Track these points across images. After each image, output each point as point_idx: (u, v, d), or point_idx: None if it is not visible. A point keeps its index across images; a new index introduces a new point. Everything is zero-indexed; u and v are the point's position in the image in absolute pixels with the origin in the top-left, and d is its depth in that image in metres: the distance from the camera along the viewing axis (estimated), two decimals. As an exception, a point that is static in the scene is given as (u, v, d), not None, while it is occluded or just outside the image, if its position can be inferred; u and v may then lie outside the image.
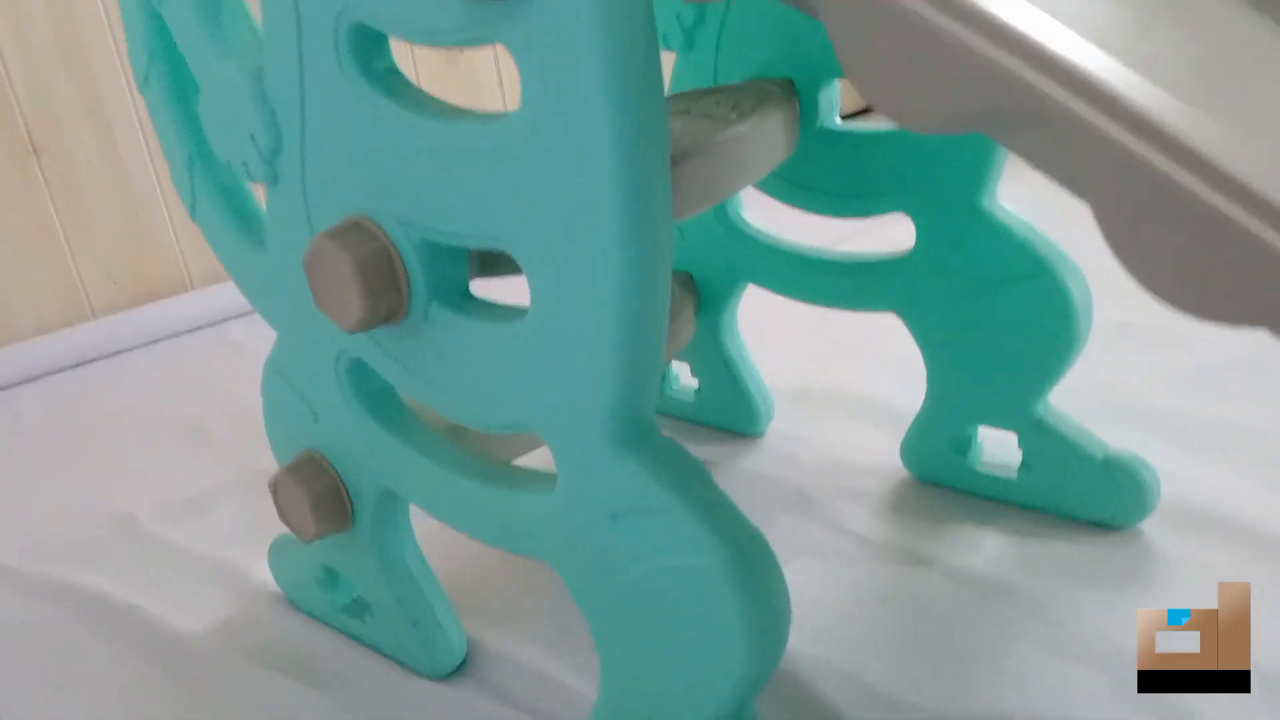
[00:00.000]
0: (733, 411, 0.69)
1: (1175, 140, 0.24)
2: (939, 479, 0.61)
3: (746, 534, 0.36)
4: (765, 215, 0.64)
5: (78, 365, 0.97)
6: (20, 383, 0.95)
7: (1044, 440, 0.56)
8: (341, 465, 0.48)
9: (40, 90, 0.94)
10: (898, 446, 0.63)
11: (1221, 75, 0.32)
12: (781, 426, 0.70)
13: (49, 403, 0.92)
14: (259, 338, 0.95)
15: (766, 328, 0.73)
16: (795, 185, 0.60)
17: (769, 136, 0.52)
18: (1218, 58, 0.33)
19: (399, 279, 0.39)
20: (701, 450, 0.68)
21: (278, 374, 0.49)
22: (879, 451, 0.65)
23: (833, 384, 0.74)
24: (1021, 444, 0.57)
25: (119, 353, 0.99)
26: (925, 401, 0.60)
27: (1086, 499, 0.56)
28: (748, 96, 0.54)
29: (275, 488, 0.50)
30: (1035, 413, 0.56)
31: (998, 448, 0.59)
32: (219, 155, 0.44)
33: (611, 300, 0.34)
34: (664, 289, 0.35)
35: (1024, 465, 0.57)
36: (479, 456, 0.44)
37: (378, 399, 0.46)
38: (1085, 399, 0.60)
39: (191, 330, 1.02)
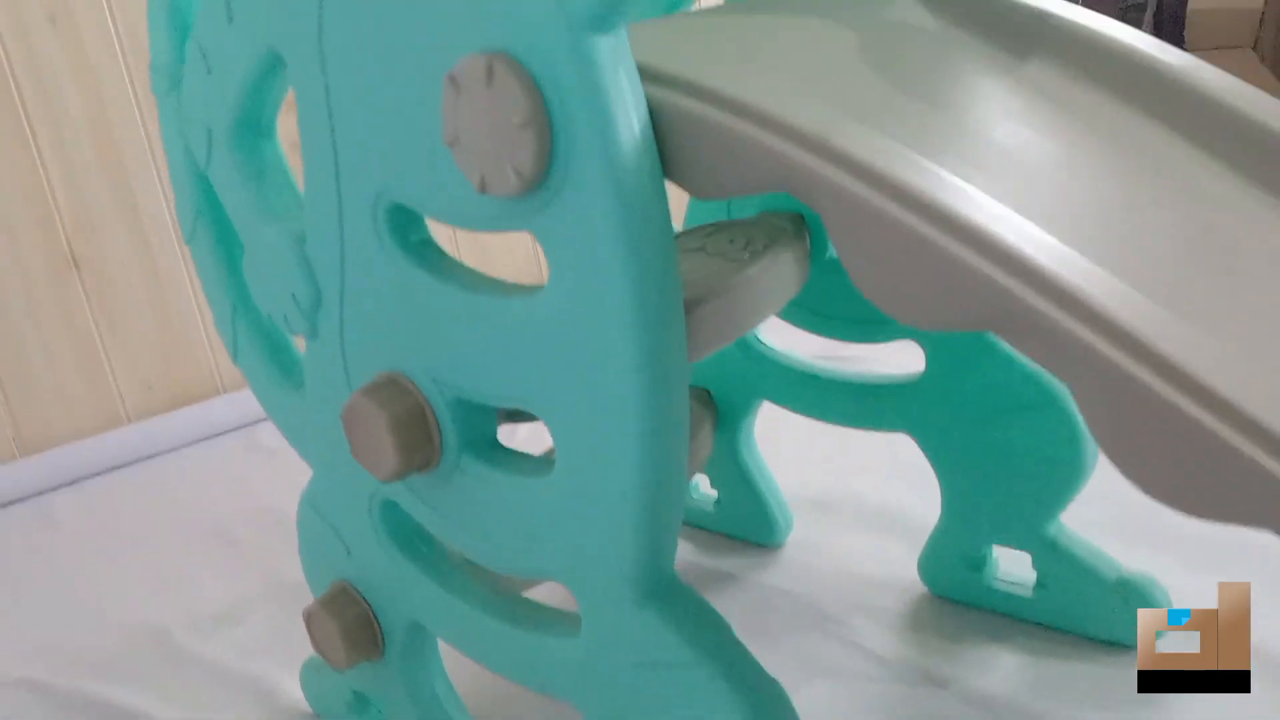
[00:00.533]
0: (751, 523, 0.71)
1: (1156, 354, 0.26)
2: (955, 595, 0.62)
3: (767, 692, 0.37)
4: (781, 331, 0.66)
5: (112, 469, 1.00)
6: (56, 487, 0.98)
7: (1057, 560, 0.57)
8: (373, 597, 0.50)
9: (80, 205, 0.98)
10: (915, 559, 0.64)
11: (1205, 260, 0.34)
12: (800, 537, 0.71)
13: (84, 507, 0.94)
14: (286, 442, 0.97)
15: (785, 433, 0.75)
16: (807, 311, 0.62)
17: (781, 274, 0.54)
18: (1204, 236, 0.35)
19: (431, 432, 0.41)
20: (721, 562, 0.70)
21: (313, 509, 0.51)
22: (896, 565, 0.66)
23: (851, 494, 0.76)
24: (1035, 564, 0.58)
25: (152, 456, 1.02)
26: (940, 519, 0.61)
27: (1101, 618, 0.57)
28: (759, 233, 0.56)
29: (309, 619, 0.51)
30: (1047, 534, 0.57)
31: (1014, 564, 0.60)
32: (261, 308, 0.47)
33: (631, 463, 0.36)
34: (682, 451, 0.37)
35: (1038, 584, 0.58)
36: (506, 596, 0.46)
37: (409, 537, 0.48)
38: (1097, 513, 0.61)
39: (222, 433, 1.04)
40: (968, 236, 0.27)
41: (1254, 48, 1.25)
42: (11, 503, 0.96)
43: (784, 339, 0.66)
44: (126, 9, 0.97)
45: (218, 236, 0.49)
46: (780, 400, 0.65)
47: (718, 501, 0.72)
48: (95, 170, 0.98)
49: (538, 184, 0.33)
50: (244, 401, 1.04)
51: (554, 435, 0.38)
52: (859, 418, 0.62)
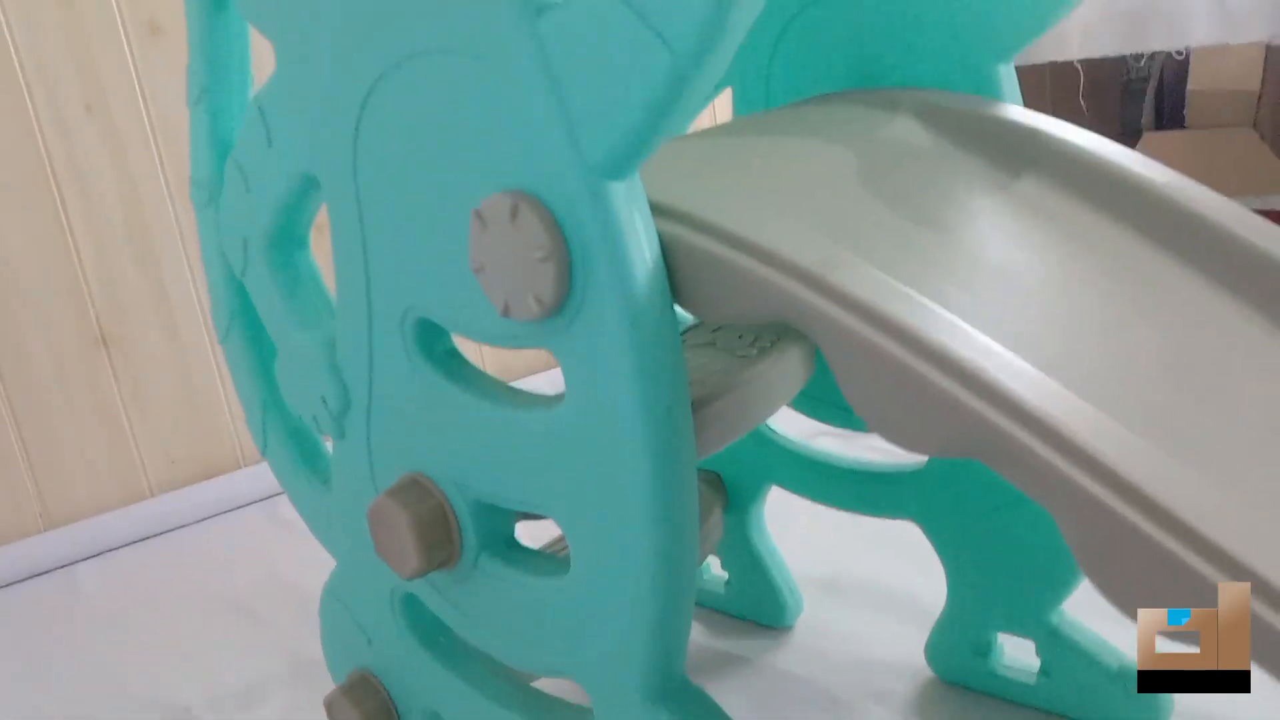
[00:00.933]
0: (762, 605, 0.72)
1: (1130, 485, 0.27)
2: (962, 680, 0.63)
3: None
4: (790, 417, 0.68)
5: (135, 542, 1.02)
6: (81, 559, 1.00)
7: (1060, 649, 0.58)
8: (392, 687, 0.52)
9: (111, 284, 1.01)
10: (923, 642, 0.65)
11: (1189, 381, 0.36)
12: (810, 619, 0.72)
13: (107, 579, 0.96)
14: (307, 515, 0.99)
15: (795, 514, 0.76)
16: (814, 400, 0.64)
17: (788, 370, 0.56)
18: (1190, 356, 0.37)
19: (452, 533, 0.43)
20: (732, 644, 0.71)
21: (335, 599, 0.53)
22: (904, 648, 0.67)
23: (860, 576, 0.77)
24: (1039, 651, 0.59)
25: (174, 529, 1.04)
26: (946, 606, 0.63)
27: (1104, 706, 0.58)
28: (767, 329, 0.58)
29: (330, 706, 0.53)
30: (1051, 622, 0.58)
31: (1020, 651, 0.61)
32: (291, 408, 0.49)
33: (644, 569, 0.38)
34: (692, 556, 0.39)
35: (1042, 671, 0.59)
36: (523, 689, 0.47)
37: (429, 630, 0.49)
38: (1100, 600, 0.63)
39: (243, 506, 1.07)
40: (955, 371, 0.29)
41: (1254, 125, 1.28)
42: (37, 575, 0.98)
43: (794, 418, 0.68)
44: (160, 100, 1.01)
45: (251, 339, 0.52)
46: (788, 485, 0.67)
47: (728, 583, 0.74)
48: (126, 253, 1.02)
49: (556, 310, 0.35)
50: (264, 475, 1.07)
51: (569, 539, 0.40)
52: (865, 504, 0.64)
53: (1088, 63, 1.25)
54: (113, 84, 1.00)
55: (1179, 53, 1.17)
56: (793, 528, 0.76)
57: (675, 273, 0.35)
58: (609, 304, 0.34)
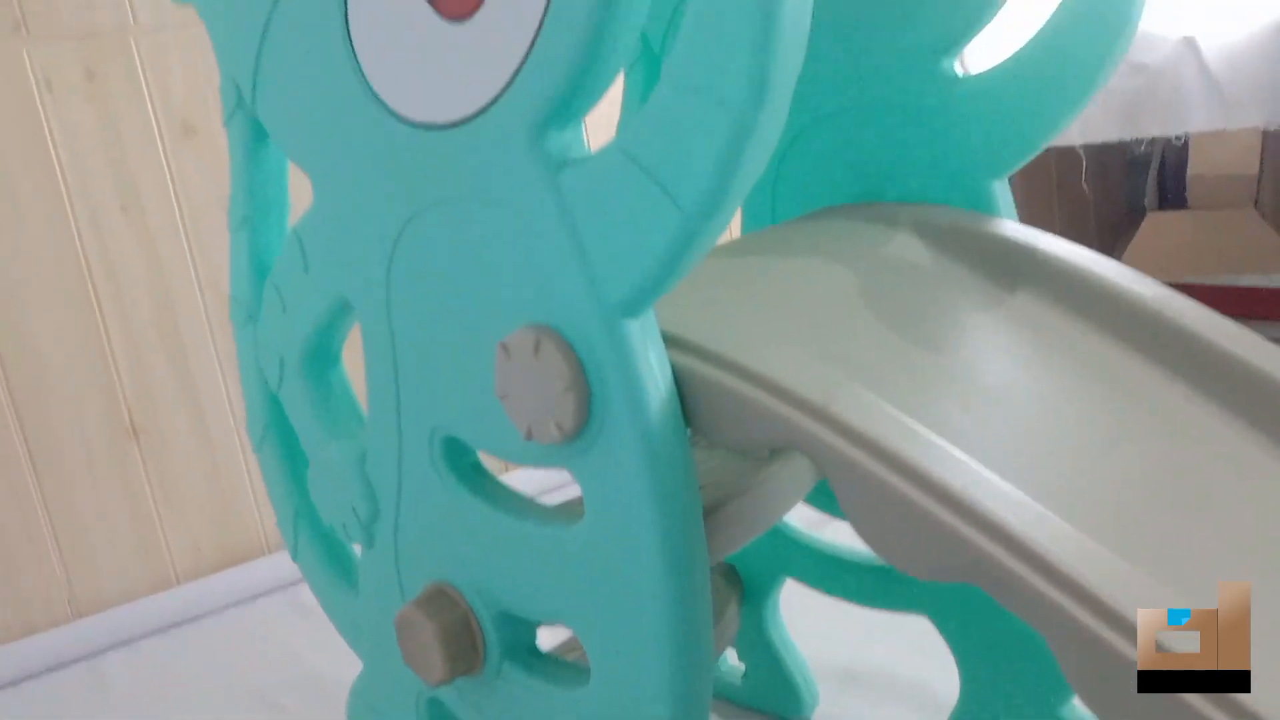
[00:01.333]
0: (778, 696, 0.73)
1: (1117, 613, 0.29)
2: (977, 773, 0.64)
3: None
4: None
5: (162, 630, 1.04)
6: (108, 649, 1.01)
7: (1073, 742, 0.59)
8: (418, 787, 0.53)
9: (141, 377, 1.04)
10: (937, 735, 0.66)
11: (1178, 499, 0.37)
12: (827, 710, 0.73)
13: (135, 669, 0.97)
14: (329, 601, 1.01)
15: (811, 604, 0.77)
16: (827, 495, 0.66)
17: (799, 471, 0.58)
18: (1180, 473, 0.39)
19: (476, 642, 0.45)
20: (749, 735, 0.72)
21: (362, 702, 0.54)
22: (919, 739, 0.68)
23: (875, 666, 0.78)
24: (1052, 745, 0.60)
25: (200, 617, 1.05)
26: (958, 699, 0.64)
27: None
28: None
29: (357, 807, 0.54)
30: (1062, 716, 0.59)
31: (1032, 743, 0.62)
32: (322, 516, 0.52)
33: (661, 677, 0.39)
34: (708, 663, 0.40)
35: (1056, 765, 0.60)
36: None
37: (454, 732, 0.51)
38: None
39: (267, 593, 1.08)
40: (951, 503, 0.31)
41: (1255, 206, 1.31)
42: (66, 665, 1.00)
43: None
44: (192, 199, 1.05)
45: (284, 449, 0.54)
46: (803, 578, 0.69)
47: (745, 674, 0.75)
48: (157, 346, 1.05)
49: (576, 436, 0.38)
50: (287, 562, 1.08)
51: (588, 649, 0.42)
52: (878, 598, 0.65)
53: (1090, 146, 1.28)
54: (147, 184, 1.04)
55: (1178, 138, 1.20)
56: (808, 618, 0.77)
57: (687, 401, 0.38)
58: (625, 430, 0.37)
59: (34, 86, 0.99)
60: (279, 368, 0.51)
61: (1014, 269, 0.49)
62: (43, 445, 1.02)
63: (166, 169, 1.05)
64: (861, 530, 0.34)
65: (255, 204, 0.50)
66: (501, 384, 0.39)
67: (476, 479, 0.45)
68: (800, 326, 0.42)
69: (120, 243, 1.03)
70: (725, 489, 0.52)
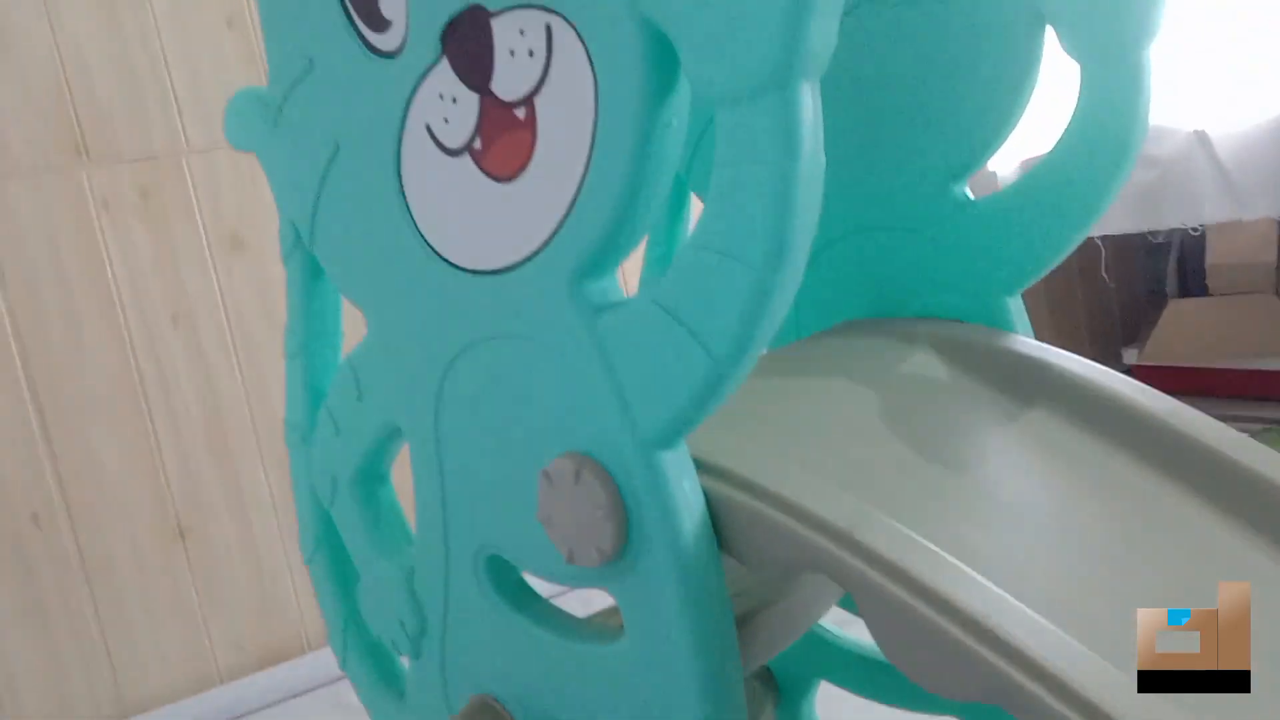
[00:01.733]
0: (815, 799, 0.74)
1: (1131, 734, 0.31)
2: None
3: None
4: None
5: (205, 730, 1.05)
6: (151, 750, 1.03)
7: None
8: None
9: (189, 481, 1.08)
10: (975, 837, 0.66)
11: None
12: (863, 812, 0.73)
13: (177, 771, 0.99)
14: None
15: (847, 709, 0.78)
16: (857, 598, 0.67)
17: (829, 580, 0.60)
18: (1195, 591, 0.40)
19: (521, 753, 0.47)
20: (787, 838, 0.72)
21: (409, 809, 0.56)
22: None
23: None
24: None
25: (243, 715, 1.07)
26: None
27: None
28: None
29: None
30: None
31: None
32: (371, 628, 0.54)
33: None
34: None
35: None
36: None
37: (498, 841, 0.52)
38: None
39: (309, 690, 1.10)
40: (973, 628, 0.33)
41: (1275, 292, 1.32)
42: (110, 768, 1.01)
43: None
44: (240, 310, 1.10)
45: (335, 562, 0.57)
46: (838, 681, 0.70)
47: (782, 776, 0.75)
48: (205, 451, 1.09)
49: (615, 559, 0.40)
50: (329, 660, 1.10)
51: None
52: (913, 701, 0.66)
53: (1108, 236, 1.31)
54: (197, 296, 1.10)
55: (1194, 229, 1.23)
56: (845, 712, 0.77)
57: (719, 525, 0.40)
58: (661, 554, 0.39)
59: (92, 207, 1.05)
60: (331, 487, 0.54)
61: (1029, 385, 0.51)
62: (94, 547, 1.05)
63: (215, 281, 1.10)
64: (887, 651, 0.35)
65: (311, 334, 0.54)
66: (544, 509, 0.41)
67: (520, 596, 0.47)
68: (825, 449, 0.44)
69: (170, 352, 1.08)
70: (757, 598, 0.54)
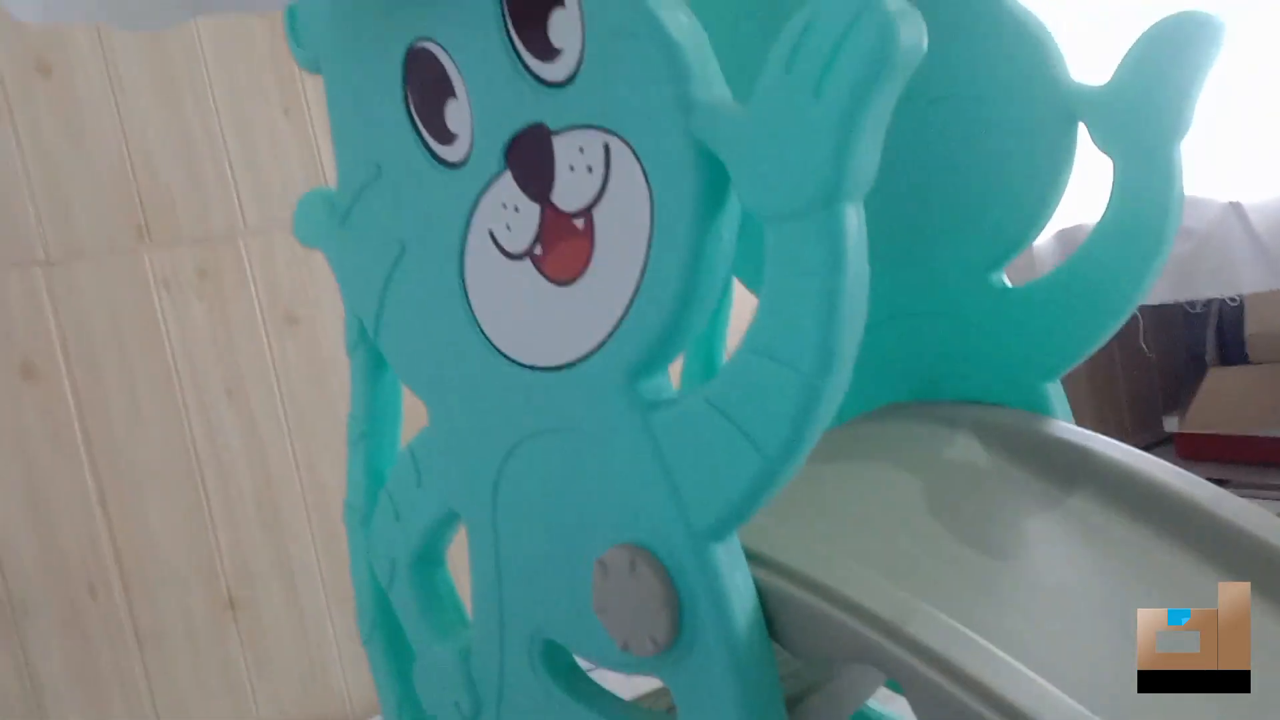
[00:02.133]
0: None
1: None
2: None
3: None
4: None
5: (250, 803, 1.06)
6: (199, 821, 1.04)
7: None
8: None
9: (240, 552, 1.10)
10: None
11: (1239, 704, 0.40)
12: None
13: (224, 843, 1.00)
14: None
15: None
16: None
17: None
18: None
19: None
20: None
21: None
22: None
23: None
24: None
25: (287, 789, 1.08)
26: None
27: None
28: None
29: None
30: None
31: None
32: (426, 708, 0.55)
33: None
34: None
35: None
36: None
37: None
38: None
39: (351, 763, 1.11)
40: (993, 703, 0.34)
41: (1317, 360, 1.32)
42: (159, 839, 1.02)
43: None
44: (293, 384, 1.13)
45: (391, 643, 0.58)
46: (882, 759, 0.70)
47: None
48: (256, 524, 1.11)
49: (669, 648, 0.41)
50: (373, 732, 1.11)
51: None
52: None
53: (1147, 306, 1.31)
54: (250, 370, 1.13)
55: (1232, 299, 1.23)
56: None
57: (770, 616, 0.41)
58: (714, 644, 0.40)
59: (152, 287, 1.09)
60: (390, 569, 0.55)
61: (1070, 470, 0.52)
62: (147, 618, 1.07)
63: (269, 356, 1.13)
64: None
65: (373, 422, 0.56)
66: (600, 599, 0.43)
67: (573, 680, 0.48)
68: (872, 538, 0.46)
69: (224, 426, 1.11)
70: (806, 681, 0.55)
